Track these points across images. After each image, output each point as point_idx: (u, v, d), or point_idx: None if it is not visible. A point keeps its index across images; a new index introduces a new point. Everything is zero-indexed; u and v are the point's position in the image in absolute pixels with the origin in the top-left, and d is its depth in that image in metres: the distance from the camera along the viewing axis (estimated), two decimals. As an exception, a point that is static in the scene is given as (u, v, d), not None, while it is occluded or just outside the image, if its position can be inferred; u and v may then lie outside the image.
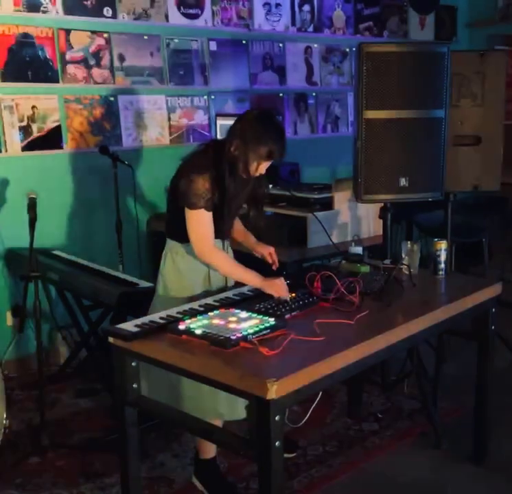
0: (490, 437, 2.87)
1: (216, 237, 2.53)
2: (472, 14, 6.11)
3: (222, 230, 2.54)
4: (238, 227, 2.77)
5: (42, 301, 3.00)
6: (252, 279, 2.45)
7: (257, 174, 2.47)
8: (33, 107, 3.79)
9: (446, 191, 3.25)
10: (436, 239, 2.84)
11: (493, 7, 5.97)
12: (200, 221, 2.44)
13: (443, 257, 2.77)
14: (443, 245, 2.77)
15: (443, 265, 2.78)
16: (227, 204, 2.46)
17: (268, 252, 2.71)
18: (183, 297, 2.52)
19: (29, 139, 3.80)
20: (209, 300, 2.40)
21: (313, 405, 2.36)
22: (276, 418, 1.81)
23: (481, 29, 6.05)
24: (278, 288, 2.39)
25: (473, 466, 2.85)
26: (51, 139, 3.88)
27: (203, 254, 2.46)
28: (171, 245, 2.62)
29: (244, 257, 2.71)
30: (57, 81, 3.86)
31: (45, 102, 3.83)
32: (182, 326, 2.10)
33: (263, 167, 2.45)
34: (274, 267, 2.71)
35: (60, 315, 3.86)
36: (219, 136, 4.34)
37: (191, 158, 2.51)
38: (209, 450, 2.66)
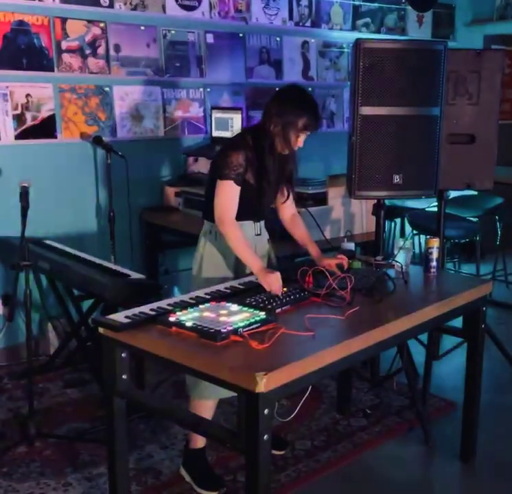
0: (478, 435, 2.88)
1: (248, 218, 2.65)
2: (470, 12, 6.12)
3: (254, 211, 2.66)
4: (299, 228, 2.82)
5: (33, 290, 2.99)
6: (253, 264, 2.49)
7: (296, 148, 2.59)
8: (27, 95, 3.76)
9: (440, 188, 3.26)
10: (428, 237, 2.84)
11: (492, 6, 5.97)
12: (226, 192, 2.54)
13: (435, 255, 2.77)
14: (435, 243, 2.78)
15: (434, 263, 2.78)
16: (266, 182, 2.58)
17: (335, 263, 2.65)
18: (215, 277, 2.59)
19: (23, 127, 3.78)
20: (200, 293, 2.40)
21: (303, 399, 2.37)
22: (265, 411, 1.81)
23: (479, 28, 6.06)
24: (271, 282, 2.39)
25: (460, 463, 2.87)
26: (45, 128, 3.85)
27: (221, 223, 2.54)
28: (205, 226, 2.71)
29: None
30: (52, 70, 3.83)
31: (40, 91, 3.81)
32: (172, 318, 2.10)
33: (301, 140, 2.58)
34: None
35: (50, 305, 3.85)
36: (214, 129, 4.34)
37: (228, 140, 2.73)
38: (199, 440, 2.67)
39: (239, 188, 2.55)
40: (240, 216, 2.57)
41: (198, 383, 2.51)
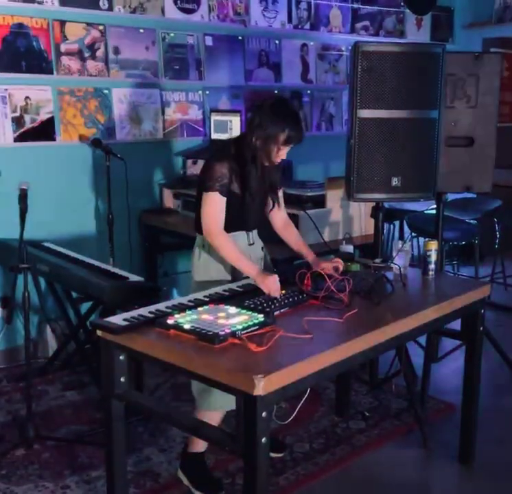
0: (476, 437, 2.88)
1: (240, 229, 2.64)
2: (469, 15, 6.12)
3: (244, 221, 2.65)
4: (292, 235, 2.82)
5: (32, 293, 2.98)
6: (248, 269, 2.48)
7: (278, 160, 2.58)
8: (26, 98, 3.77)
9: (438, 191, 3.26)
10: (426, 239, 2.84)
11: (490, 9, 5.98)
12: (212, 204, 2.53)
13: (433, 257, 2.78)
14: (433, 246, 2.78)
15: (433, 266, 2.78)
16: (249, 192, 2.56)
17: (332, 267, 2.62)
18: (214, 284, 2.57)
19: (22, 130, 3.78)
20: (199, 296, 2.40)
21: (301, 402, 2.36)
22: (263, 414, 1.81)
23: (477, 31, 6.06)
24: (270, 285, 2.39)
25: (459, 466, 2.87)
26: (44, 131, 3.86)
27: (210, 235, 2.53)
28: (198, 240, 2.69)
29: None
30: (52, 73, 3.84)
31: (39, 93, 3.81)
32: (170, 321, 2.10)
33: (284, 153, 2.56)
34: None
35: (49, 308, 3.85)
36: (213, 132, 4.34)
37: (213, 152, 2.72)
38: (200, 444, 2.66)
39: (224, 199, 2.53)
40: (231, 227, 2.56)
41: (207, 395, 2.50)
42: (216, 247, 2.53)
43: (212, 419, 2.54)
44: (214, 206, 2.53)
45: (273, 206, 2.76)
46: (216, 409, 2.56)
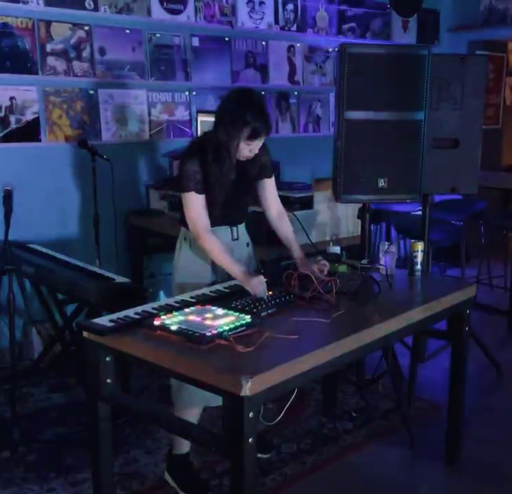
0: (462, 437, 2.90)
1: (222, 224, 2.60)
2: (454, 18, 6.17)
3: (227, 216, 2.60)
4: (284, 227, 2.74)
5: (17, 295, 2.96)
6: (234, 271, 2.46)
7: (251, 155, 2.49)
8: (11, 98, 3.74)
9: (424, 193, 3.28)
10: (413, 240, 2.85)
11: (475, 12, 6.03)
12: (190, 203, 2.50)
13: (419, 258, 2.79)
14: (419, 247, 2.79)
15: (419, 266, 2.79)
16: (215, 189, 2.49)
17: (317, 268, 2.58)
18: (190, 283, 2.56)
19: (7, 130, 3.75)
20: (185, 297, 2.40)
21: (288, 403, 2.36)
22: (250, 414, 1.81)
23: (463, 34, 6.11)
24: (255, 286, 2.38)
25: (445, 466, 2.88)
26: (30, 131, 3.83)
27: (197, 236, 2.51)
28: (181, 232, 2.68)
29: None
30: (37, 73, 3.82)
31: (24, 94, 3.79)
32: (157, 322, 2.10)
33: (254, 147, 2.45)
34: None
35: (34, 309, 3.82)
36: (200, 133, 4.34)
37: (184, 149, 2.61)
38: (183, 445, 2.66)
39: (202, 196, 2.49)
40: (212, 222, 2.53)
41: (181, 391, 2.50)
42: (203, 248, 2.52)
43: (189, 416, 2.54)
44: (195, 207, 2.50)
45: (250, 199, 2.70)
46: (191, 405, 2.55)
